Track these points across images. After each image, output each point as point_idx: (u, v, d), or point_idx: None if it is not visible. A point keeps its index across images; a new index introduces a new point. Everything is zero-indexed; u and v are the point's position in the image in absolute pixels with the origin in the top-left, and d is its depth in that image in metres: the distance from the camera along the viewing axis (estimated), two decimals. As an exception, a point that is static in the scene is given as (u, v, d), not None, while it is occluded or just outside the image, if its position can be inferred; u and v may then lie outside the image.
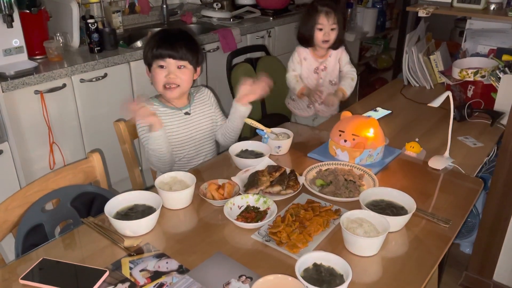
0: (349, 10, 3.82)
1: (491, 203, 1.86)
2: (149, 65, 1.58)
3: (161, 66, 1.53)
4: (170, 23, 2.95)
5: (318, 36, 2.09)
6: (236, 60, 2.46)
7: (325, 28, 2.07)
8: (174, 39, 1.54)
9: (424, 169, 1.47)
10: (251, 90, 1.58)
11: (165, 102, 1.62)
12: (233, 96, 2.22)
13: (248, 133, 2.11)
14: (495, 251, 1.91)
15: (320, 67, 2.19)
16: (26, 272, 1.00)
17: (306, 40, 2.14)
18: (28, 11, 2.04)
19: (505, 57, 2.05)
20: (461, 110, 1.87)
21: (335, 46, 2.16)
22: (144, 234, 1.14)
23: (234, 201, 1.22)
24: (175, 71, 1.54)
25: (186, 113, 1.64)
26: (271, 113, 2.44)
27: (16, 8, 1.95)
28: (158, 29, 1.66)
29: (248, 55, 2.52)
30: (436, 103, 1.47)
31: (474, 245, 2.00)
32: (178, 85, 1.55)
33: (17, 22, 1.96)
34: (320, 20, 2.06)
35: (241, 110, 1.61)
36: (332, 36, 2.09)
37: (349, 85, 2.18)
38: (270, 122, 1.61)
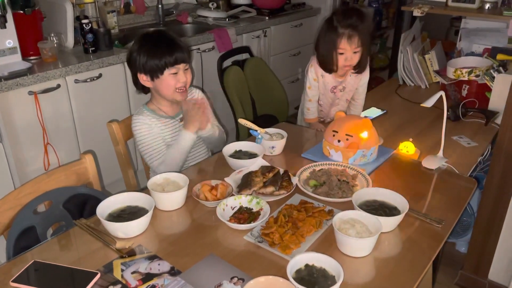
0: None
1: (486, 202, 1.86)
2: (154, 73, 1.52)
3: (174, 73, 1.52)
4: (165, 23, 2.94)
5: (339, 60, 1.80)
6: (225, 63, 2.44)
7: (347, 53, 1.77)
8: (175, 43, 1.52)
9: (418, 169, 1.47)
10: (196, 119, 1.56)
11: (158, 111, 1.61)
12: (228, 98, 2.21)
13: (246, 136, 2.10)
14: (490, 250, 1.92)
15: (339, 87, 1.95)
16: (17, 274, 0.99)
17: (326, 65, 1.85)
18: (21, 12, 2.03)
19: (500, 56, 2.05)
20: (455, 109, 1.88)
21: (359, 70, 1.89)
22: (136, 235, 1.13)
23: (227, 202, 1.22)
24: (184, 73, 1.54)
25: (181, 120, 1.63)
26: (261, 114, 2.43)
27: (10, 9, 1.94)
28: (146, 32, 1.58)
29: (235, 58, 2.49)
30: (429, 103, 1.47)
31: (469, 244, 2.01)
32: (185, 86, 1.57)
33: (10, 23, 1.96)
34: (342, 45, 1.76)
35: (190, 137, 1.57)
36: (355, 59, 1.80)
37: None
38: (261, 124, 1.61)
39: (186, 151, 1.56)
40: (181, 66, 1.53)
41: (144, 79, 1.55)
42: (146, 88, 1.59)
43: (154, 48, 1.50)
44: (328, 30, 1.79)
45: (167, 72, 1.51)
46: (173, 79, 1.52)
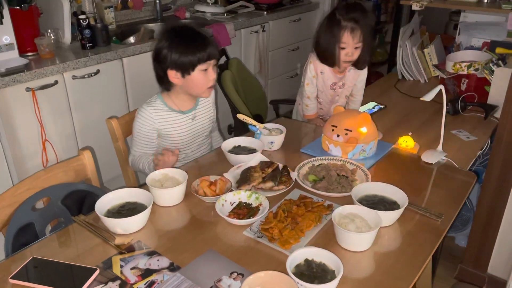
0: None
1: (485, 196, 1.86)
2: (185, 70, 1.48)
3: (205, 69, 1.49)
4: (163, 19, 2.93)
5: (339, 54, 1.78)
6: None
7: (348, 47, 1.75)
8: (206, 38, 1.49)
9: (417, 163, 1.47)
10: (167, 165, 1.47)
11: (171, 104, 1.58)
12: (228, 101, 2.18)
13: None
14: (490, 244, 1.92)
15: (338, 83, 1.93)
16: (16, 271, 0.99)
17: (327, 59, 1.83)
18: (18, 8, 2.02)
19: (499, 50, 2.04)
20: (454, 103, 1.87)
21: (359, 66, 1.88)
22: (135, 231, 1.13)
23: (226, 198, 1.21)
24: (213, 69, 1.52)
25: (193, 118, 1.62)
26: (254, 114, 2.40)
27: (6, 5, 1.93)
28: (172, 28, 1.53)
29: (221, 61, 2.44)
30: (429, 97, 1.47)
31: (468, 238, 2.01)
32: (214, 84, 1.56)
33: (7, 19, 1.94)
34: (344, 39, 1.73)
35: None
36: (355, 55, 1.78)
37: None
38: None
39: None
40: (212, 62, 1.51)
41: (173, 75, 1.50)
42: (170, 84, 1.55)
43: (187, 44, 1.46)
44: (330, 23, 1.77)
45: (198, 68, 1.48)
46: (203, 76, 1.50)
